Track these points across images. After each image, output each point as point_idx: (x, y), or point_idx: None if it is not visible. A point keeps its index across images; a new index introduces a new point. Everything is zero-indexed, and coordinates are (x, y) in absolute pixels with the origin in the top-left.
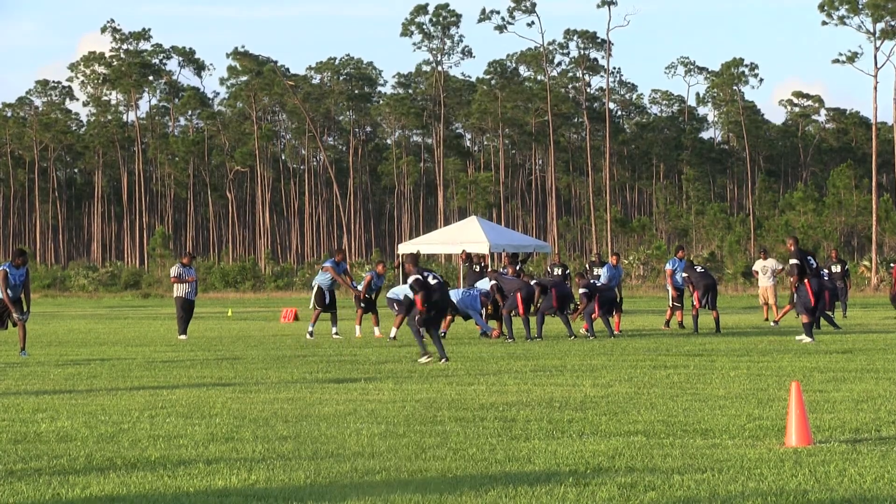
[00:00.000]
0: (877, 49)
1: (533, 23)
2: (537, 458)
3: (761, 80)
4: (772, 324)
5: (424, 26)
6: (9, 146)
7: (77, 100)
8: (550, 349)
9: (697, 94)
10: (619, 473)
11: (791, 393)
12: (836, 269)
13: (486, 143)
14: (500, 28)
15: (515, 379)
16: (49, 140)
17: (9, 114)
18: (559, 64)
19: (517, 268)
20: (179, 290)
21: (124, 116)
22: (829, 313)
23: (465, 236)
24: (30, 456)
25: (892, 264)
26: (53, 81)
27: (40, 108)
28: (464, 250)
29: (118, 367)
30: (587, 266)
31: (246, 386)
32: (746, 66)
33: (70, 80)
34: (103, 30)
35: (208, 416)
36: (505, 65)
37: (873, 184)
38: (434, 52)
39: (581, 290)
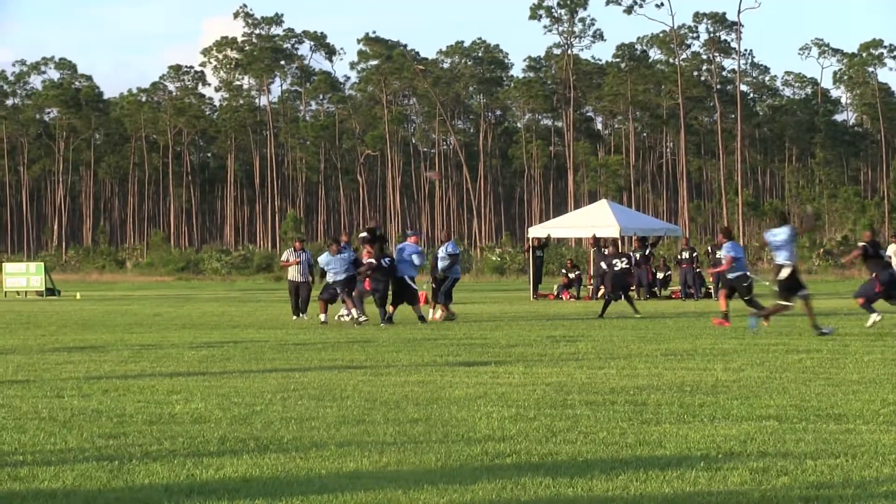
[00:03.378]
0: None
1: (662, 4)
2: (668, 443)
3: None
4: None
5: (553, 10)
6: (143, 131)
7: (209, 84)
8: (681, 332)
9: (834, 73)
10: (750, 458)
11: None
12: None
13: (616, 126)
14: (629, 10)
15: (646, 363)
16: (183, 125)
17: (143, 99)
18: (689, 46)
19: (646, 252)
20: (289, 273)
21: (256, 101)
22: None
23: (596, 220)
24: (164, 437)
25: None
26: (186, 66)
27: (174, 93)
28: (594, 234)
29: (251, 349)
30: (709, 248)
31: (376, 369)
32: (884, 47)
33: (203, 65)
34: (235, 15)
35: (339, 398)
36: (635, 48)
37: None
38: (564, 35)
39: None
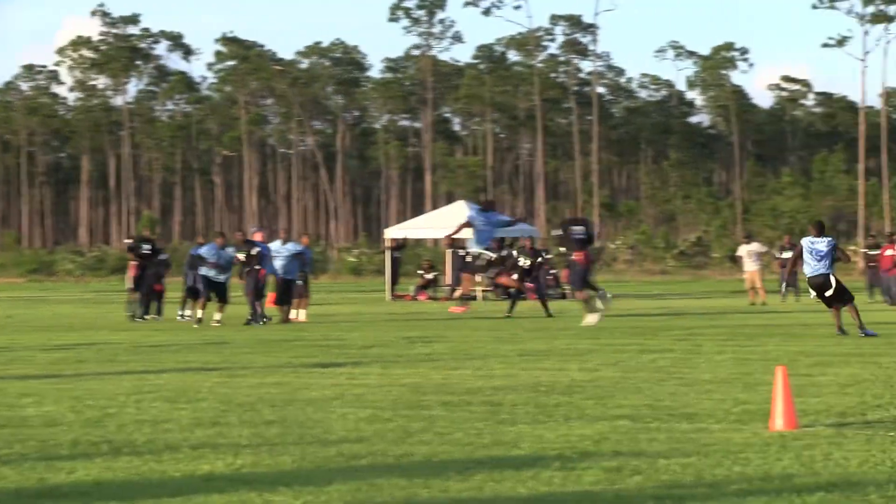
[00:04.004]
0: (866, 33)
1: (520, 6)
2: (523, 443)
3: (751, 64)
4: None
5: (412, 11)
6: None
7: (63, 84)
8: (539, 332)
9: (686, 78)
10: (604, 457)
11: (776, 377)
12: (787, 255)
13: (474, 127)
14: (487, 12)
15: (502, 363)
16: (36, 124)
17: None
18: (547, 48)
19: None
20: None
21: (111, 101)
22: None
23: (453, 221)
24: (15, 440)
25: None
26: (39, 66)
27: (27, 93)
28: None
29: (104, 351)
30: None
31: (232, 370)
32: (736, 50)
33: (58, 64)
34: (93, 13)
35: (194, 400)
36: (493, 49)
37: (860, 168)
38: (423, 36)
39: None
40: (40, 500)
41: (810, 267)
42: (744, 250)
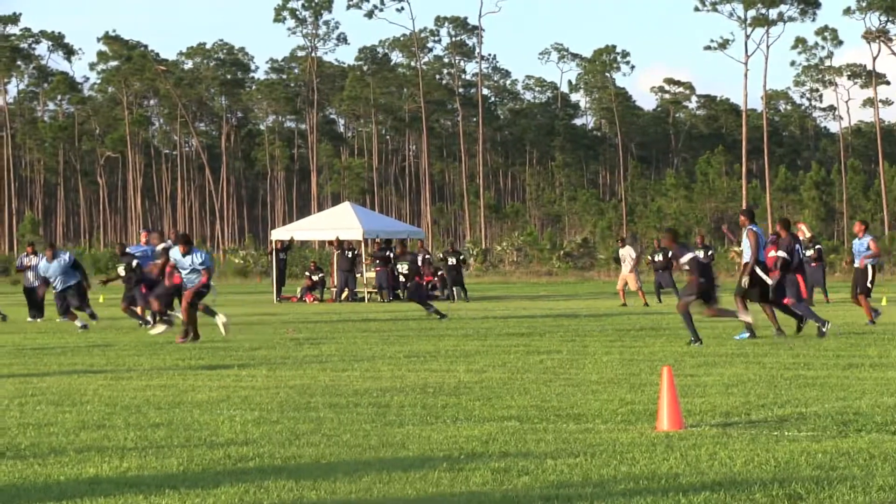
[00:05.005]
0: (747, 36)
1: (403, 8)
2: (411, 444)
3: (633, 67)
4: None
5: (297, 11)
6: None
7: None
8: (424, 333)
9: (570, 80)
10: (492, 458)
11: (662, 377)
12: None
13: (359, 129)
14: (370, 14)
15: (389, 364)
16: None
17: None
18: (432, 50)
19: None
20: (26, 277)
21: None
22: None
23: (339, 222)
24: None
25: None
26: None
27: None
28: (337, 237)
29: None
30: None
31: (117, 373)
32: (618, 53)
33: None
34: None
35: (79, 403)
36: (377, 51)
37: (743, 170)
38: (308, 37)
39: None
40: None
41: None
42: (621, 253)
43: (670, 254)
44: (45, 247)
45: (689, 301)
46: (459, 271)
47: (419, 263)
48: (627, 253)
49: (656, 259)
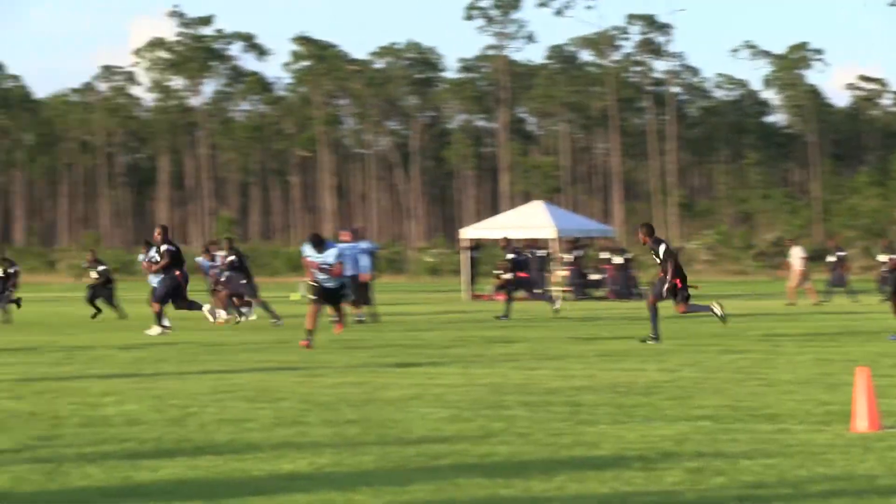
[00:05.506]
0: None
1: (592, 7)
2: (604, 443)
3: (826, 63)
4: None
5: (487, 10)
6: (75, 132)
7: (140, 85)
8: (614, 333)
9: (763, 77)
10: (686, 458)
11: (859, 378)
12: (833, 258)
13: (549, 127)
14: (559, 12)
15: (581, 363)
16: (114, 125)
17: (74, 99)
18: (621, 48)
19: (578, 253)
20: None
21: (187, 101)
22: None
23: (531, 221)
24: (99, 439)
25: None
26: (116, 67)
27: (105, 94)
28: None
29: (185, 351)
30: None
31: (311, 370)
32: (811, 50)
33: (135, 64)
34: (169, 14)
35: (274, 400)
36: (566, 49)
37: None
38: (498, 36)
39: None
40: (125, 498)
41: None
42: (792, 253)
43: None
44: (221, 246)
45: (659, 297)
46: (626, 270)
47: (517, 259)
48: (797, 253)
49: (835, 258)
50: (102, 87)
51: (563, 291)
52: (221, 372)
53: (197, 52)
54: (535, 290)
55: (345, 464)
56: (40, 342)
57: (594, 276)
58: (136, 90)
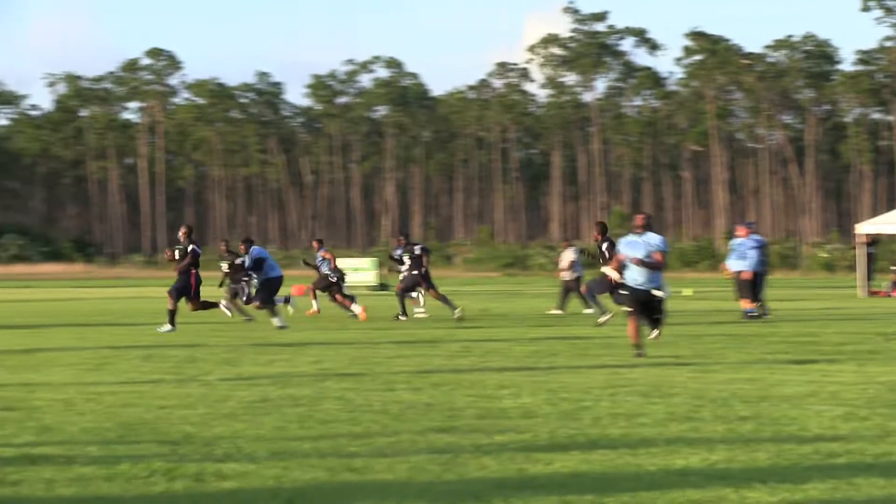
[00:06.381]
0: None
1: None
2: None
3: None
4: None
5: (885, 1)
6: (471, 128)
7: (534, 81)
8: None
9: None
10: None
11: None
12: None
13: None
14: None
15: None
16: (508, 121)
17: (470, 96)
18: None
19: None
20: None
21: (580, 97)
22: None
23: None
24: (494, 431)
25: None
26: (510, 63)
27: (500, 91)
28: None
29: (577, 345)
30: None
31: (704, 365)
32: None
33: (529, 61)
34: (564, 11)
35: (667, 395)
36: None
37: None
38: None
39: None
40: (520, 490)
41: None
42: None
43: None
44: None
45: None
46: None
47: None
48: None
49: None
50: (497, 83)
51: None
52: (614, 366)
53: (590, 47)
54: None
55: (738, 460)
56: (436, 335)
57: None
58: (529, 86)
